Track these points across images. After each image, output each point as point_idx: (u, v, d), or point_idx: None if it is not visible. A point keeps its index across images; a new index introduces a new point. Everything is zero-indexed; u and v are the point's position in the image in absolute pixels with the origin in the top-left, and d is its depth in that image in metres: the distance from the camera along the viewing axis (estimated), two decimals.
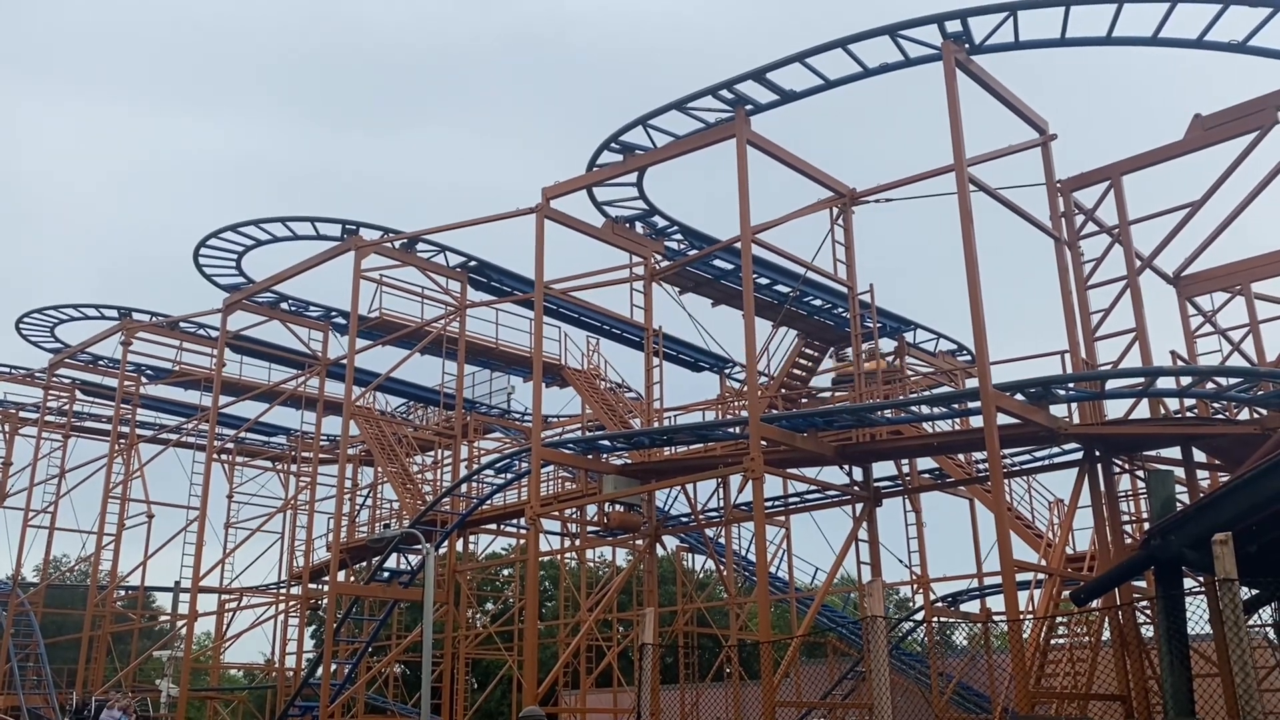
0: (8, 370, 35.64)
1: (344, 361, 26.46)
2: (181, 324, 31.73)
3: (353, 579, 29.57)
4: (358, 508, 34.18)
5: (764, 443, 16.89)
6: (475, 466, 27.39)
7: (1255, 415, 15.41)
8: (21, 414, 37.01)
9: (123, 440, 32.84)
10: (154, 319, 31.82)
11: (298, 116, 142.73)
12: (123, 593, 35.21)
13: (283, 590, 32.83)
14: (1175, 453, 16.41)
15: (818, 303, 24.96)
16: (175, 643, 35.48)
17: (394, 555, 26.00)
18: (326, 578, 27.68)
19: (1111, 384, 16.18)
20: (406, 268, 26.47)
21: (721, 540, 25.84)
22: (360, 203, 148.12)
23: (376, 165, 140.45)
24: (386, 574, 26.38)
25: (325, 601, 27.24)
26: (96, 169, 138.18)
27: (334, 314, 30.03)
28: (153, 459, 34.20)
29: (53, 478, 34.80)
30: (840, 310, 24.24)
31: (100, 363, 34.46)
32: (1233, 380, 15.93)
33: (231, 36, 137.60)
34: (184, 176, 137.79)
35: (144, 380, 34.40)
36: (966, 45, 16.58)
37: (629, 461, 21.55)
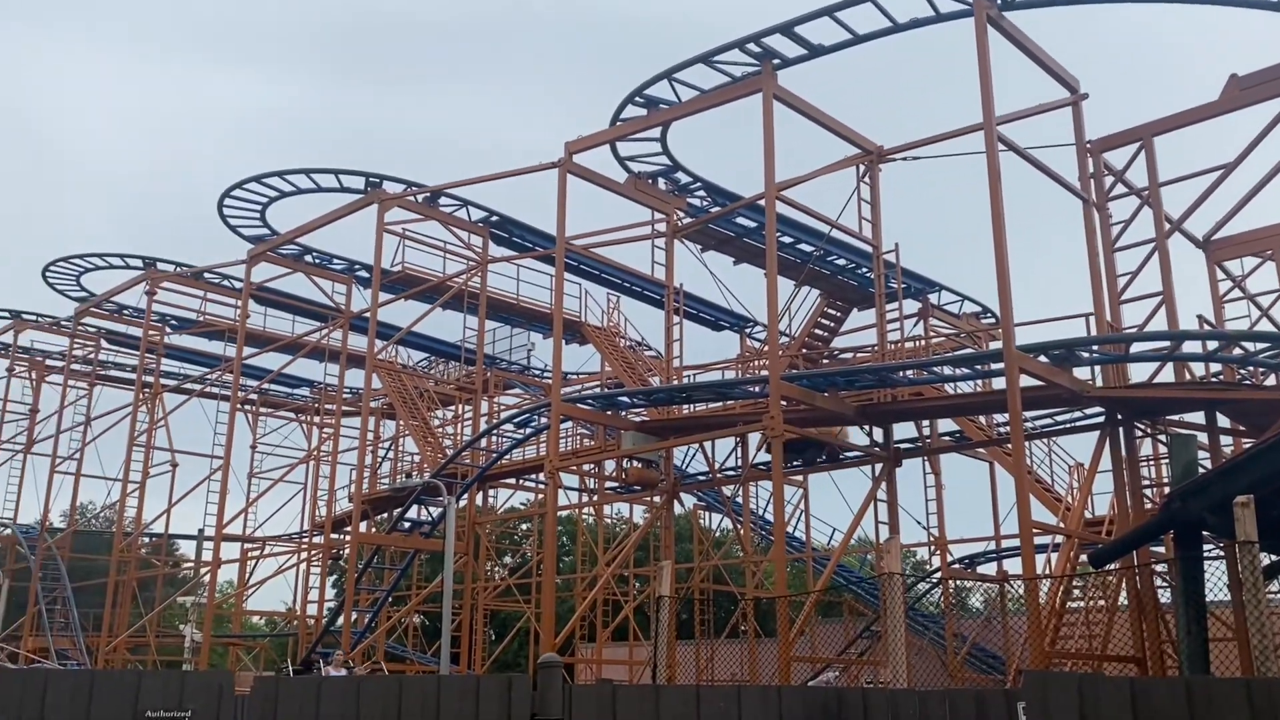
0: (34, 318, 36.01)
1: (367, 315, 26.58)
2: (206, 275, 31.91)
3: (374, 529, 29.89)
4: (379, 460, 34.48)
5: (784, 402, 16.88)
6: (495, 421, 27.57)
7: None
8: (48, 362, 37.43)
9: (147, 389, 33.18)
10: (178, 269, 32.01)
11: (324, 72, 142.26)
12: (147, 540, 35.76)
13: (305, 539, 33.25)
14: (1199, 417, 16.29)
15: (842, 262, 24.76)
16: (198, 589, 36.12)
17: (415, 507, 26.22)
18: (348, 528, 28.01)
19: (1136, 347, 16.07)
20: (429, 222, 26.52)
21: (739, 499, 25.93)
22: (384, 158, 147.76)
23: (401, 122, 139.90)
24: (408, 525, 26.62)
25: (347, 551, 27.59)
26: (119, 118, 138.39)
27: (357, 267, 30.13)
28: (177, 408, 34.55)
29: (78, 426, 35.21)
30: (865, 270, 24.07)
31: (125, 312, 34.74)
32: (1260, 345, 15.77)
33: None
34: (207, 128, 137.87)
35: (168, 330, 34.64)
36: (998, 1, 16.28)
37: (647, 419, 21.60)
